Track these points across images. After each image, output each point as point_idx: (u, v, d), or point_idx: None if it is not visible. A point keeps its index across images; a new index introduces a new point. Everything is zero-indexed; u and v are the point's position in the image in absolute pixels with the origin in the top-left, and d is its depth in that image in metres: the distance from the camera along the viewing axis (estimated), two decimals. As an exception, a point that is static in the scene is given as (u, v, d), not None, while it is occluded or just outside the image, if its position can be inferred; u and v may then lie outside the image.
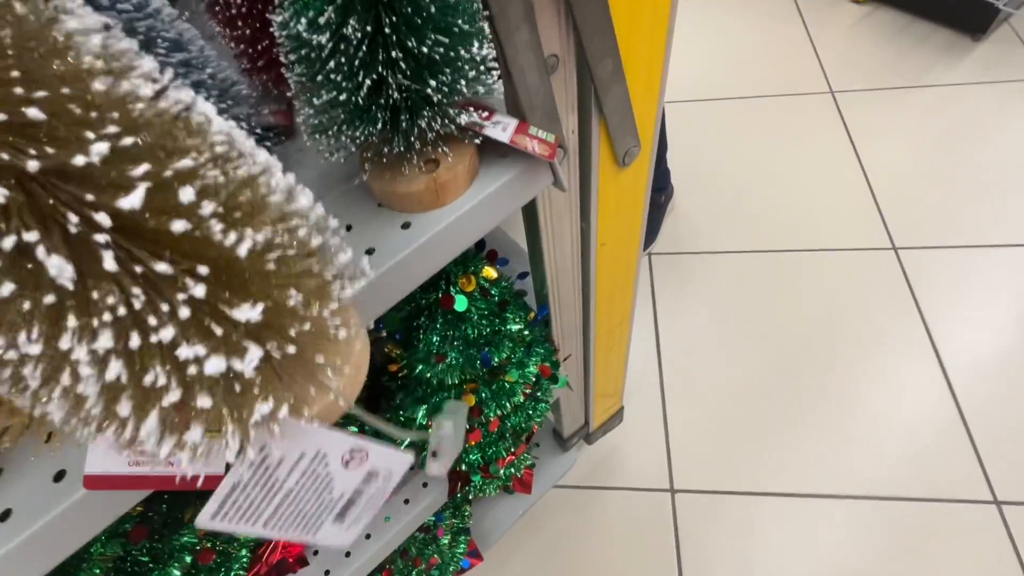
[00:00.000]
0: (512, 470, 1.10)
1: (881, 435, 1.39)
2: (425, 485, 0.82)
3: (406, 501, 0.81)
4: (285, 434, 0.29)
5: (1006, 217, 1.70)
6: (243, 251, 0.21)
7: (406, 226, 0.42)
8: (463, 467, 0.74)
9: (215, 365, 0.22)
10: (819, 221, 1.80)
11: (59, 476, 0.35)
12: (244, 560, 0.69)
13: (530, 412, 0.73)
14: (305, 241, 0.25)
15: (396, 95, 0.37)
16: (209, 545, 0.65)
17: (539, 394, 0.75)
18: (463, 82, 0.37)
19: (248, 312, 0.22)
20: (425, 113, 0.38)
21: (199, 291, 0.21)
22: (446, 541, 1.05)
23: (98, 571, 0.56)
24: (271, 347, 0.24)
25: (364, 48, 0.34)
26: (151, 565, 0.61)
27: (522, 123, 0.46)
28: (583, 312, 0.84)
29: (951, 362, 1.47)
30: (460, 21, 0.34)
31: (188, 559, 0.63)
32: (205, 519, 0.33)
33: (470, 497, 1.10)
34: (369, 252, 0.41)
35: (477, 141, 0.42)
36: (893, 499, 1.30)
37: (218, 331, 0.22)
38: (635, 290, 0.92)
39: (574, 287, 0.77)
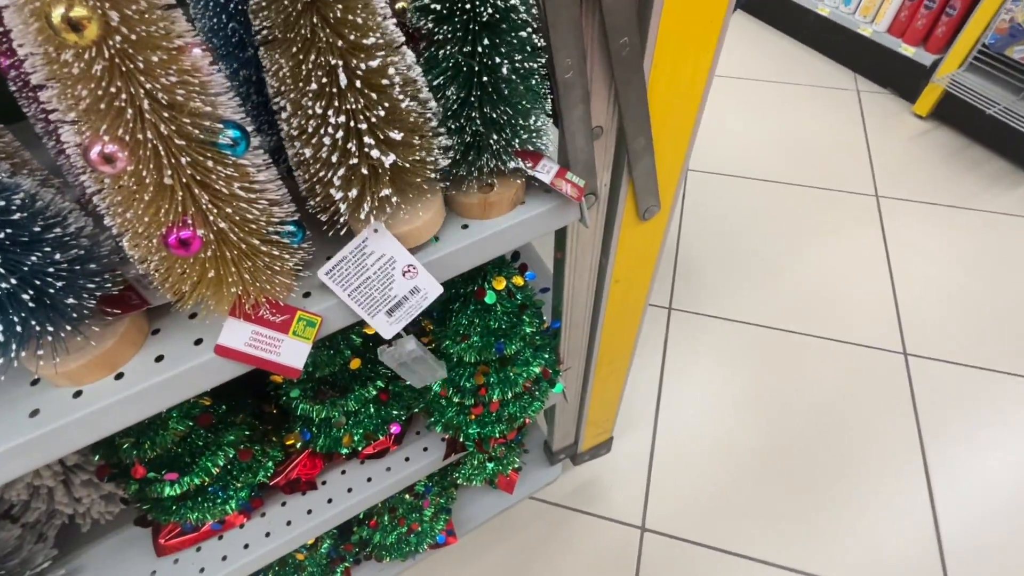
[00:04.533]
0: (500, 467, 1.22)
1: (856, 532, 1.44)
2: (425, 450, 0.96)
3: (406, 459, 0.95)
4: (379, 236, 0.52)
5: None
6: (404, 104, 0.45)
7: (465, 227, 0.58)
8: (460, 437, 0.87)
9: (377, 152, 0.45)
10: (837, 313, 1.89)
11: (198, 342, 0.51)
12: (270, 469, 0.84)
13: (525, 405, 0.87)
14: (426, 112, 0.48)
15: (470, 138, 0.53)
16: (249, 447, 0.81)
17: (537, 392, 0.89)
18: (516, 140, 0.53)
19: (396, 135, 0.45)
20: (486, 154, 0.54)
21: (381, 112, 0.44)
22: (429, 513, 1.18)
23: (168, 441, 0.72)
24: (399, 157, 0.47)
25: (457, 105, 0.50)
26: (203, 449, 0.76)
27: (562, 168, 0.61)
28: (590, 335, 0.98)
29: (939, 482, 1.49)
30: (523, 101, 0.50)
31: (231, 453, 0.78)
32: (323, 272, 0.52)
33: (458, 482, 1.22)
34: (436, 239, 0.57)
35: (519, 180, 0.58)
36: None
37: (381, 136, 0.45)
38: (639, 330, 1.04)
39: (585, 310, 0.90)
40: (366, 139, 0.44)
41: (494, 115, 0.50)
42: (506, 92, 0.49)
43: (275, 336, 0.51)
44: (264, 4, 0.39)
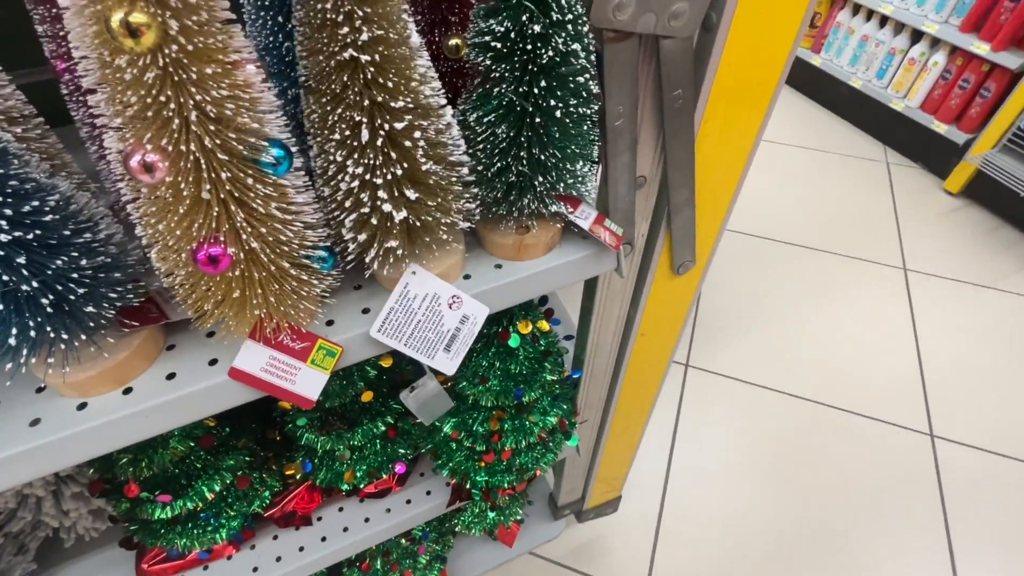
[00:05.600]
0: (501, 517, 1.17)
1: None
2: (428, 493, 0.91)
3: (408, 501, 0.90)
4: (419, 277, 0.52)
5: (1055, 440, 1.66)
6: (425, 167, 0.45)
7: (498, 267, 0.56)
8: (468, 484, 0.83)
9: (388, 206, 0.45)
10: (861, 386, 1.82)
11: (213, 362, 0.49)
12: (267, 499, 0.81)
13: (538, 456, 0.82)
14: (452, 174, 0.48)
15: (514, 178, 0.52)
16: (248, 474, 0.77)
17: (551, 444, 0.85)
18: (561, 184, 0.52)
19: (412, 193, 0.45)
20: (528, 196, 0.53)
21: (398, 171, 0.44)
22: (424, 561, 1.12)
23: (166, 461, 0.69)
24: (412, 214, 0.46)
25: (505, 143, 0.49)
26: (200, 472, 0.73)
27: (600, 215, 0.59)
28: (609, 387, 0.94)
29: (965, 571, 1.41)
30: (572, 146, 0.49)
31: (229, 479, 0.75)
32: (374, 329, 0.52)
33: (456, 529, 1.16)
34: (467, 277, 0.55)
35: (558, 225, 0.56)
36: None
37: (396, 193, 0.45)
38: (660, 386, 1.00)
39: (608, 362, 0.87)
40: (380, 193, 0.45)
41: (542, 157, 0.49)
42: (556, 135, 0.48)
43: (292, 363, 0.49)
44: (305, 54, 0.41)
